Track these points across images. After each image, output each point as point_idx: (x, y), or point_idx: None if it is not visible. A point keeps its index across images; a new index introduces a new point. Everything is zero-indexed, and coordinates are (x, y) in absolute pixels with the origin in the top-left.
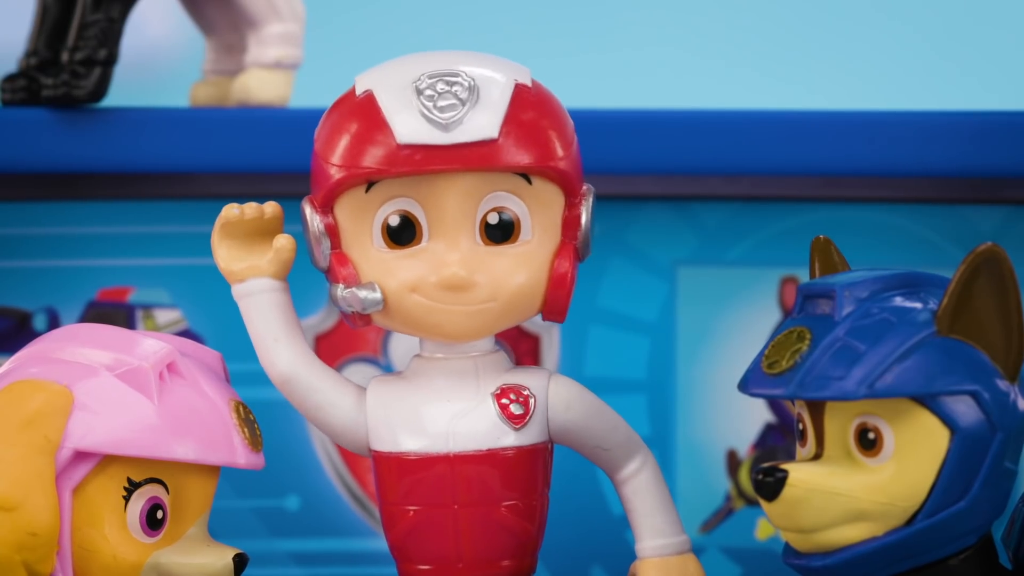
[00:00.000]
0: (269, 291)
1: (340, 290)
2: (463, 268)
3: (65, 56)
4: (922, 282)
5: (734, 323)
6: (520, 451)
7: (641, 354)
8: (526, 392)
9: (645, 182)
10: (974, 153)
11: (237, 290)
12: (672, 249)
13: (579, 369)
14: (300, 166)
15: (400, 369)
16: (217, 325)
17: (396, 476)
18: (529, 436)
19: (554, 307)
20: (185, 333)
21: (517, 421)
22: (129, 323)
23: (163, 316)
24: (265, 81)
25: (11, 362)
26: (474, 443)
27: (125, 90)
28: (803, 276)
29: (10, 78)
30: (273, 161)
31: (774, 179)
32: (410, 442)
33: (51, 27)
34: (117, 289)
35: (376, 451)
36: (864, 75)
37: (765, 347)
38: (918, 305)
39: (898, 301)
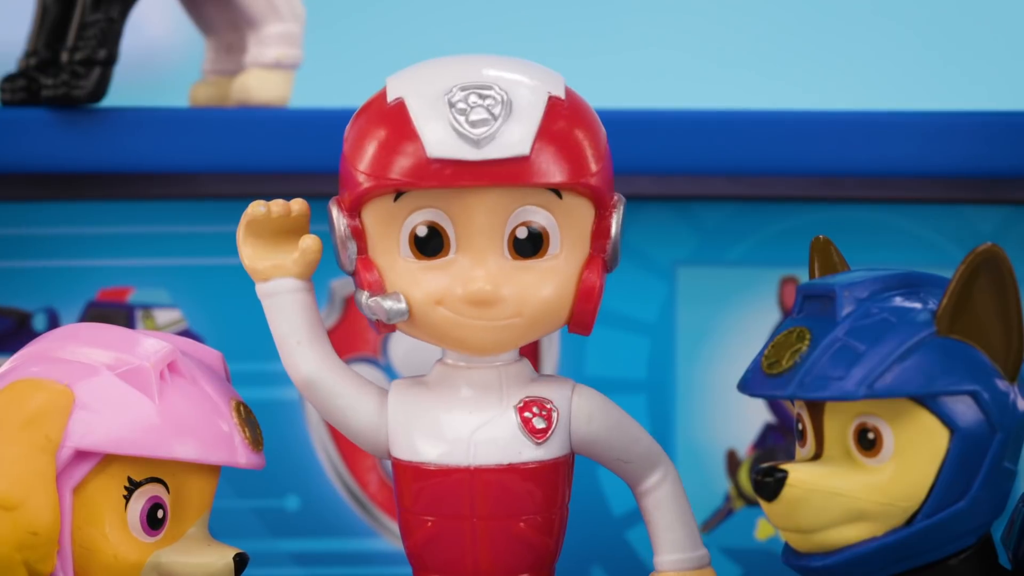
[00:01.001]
0: (293, 291)
1: (365, 298)
2: (489, 283)
3: (65, 56)
4: (922, 282)
5: (734, 323)
6: (541, 465)
7: (641, 354)
8: (549, 406)
9: (645, 182)
10: (974, 153)
11: (261, 289)
12: (672, 249)
13: (579, 369)
14: (300, 166)
15: (400, 369)
16: (217, 325)
17: (415, 485)
18: (551, 450)
19: (581, 320)
20: (185, 333)
21: (539, 435)
22: (129, 323)
23: (163, 316)
24: (265, 81)
25: (12, 361)
26: (495, 456)
27: (125, 90)
28: (803, 276)
29: (10, 78)
30: (273, 161)
31: (774, 179)
32: (430, 452)
33: (51, 27)
34: (117, 289)
35: (396, 458)
36: (864, 75)
37: (765, 347)
38: (918, 305)
39: (898, 301)
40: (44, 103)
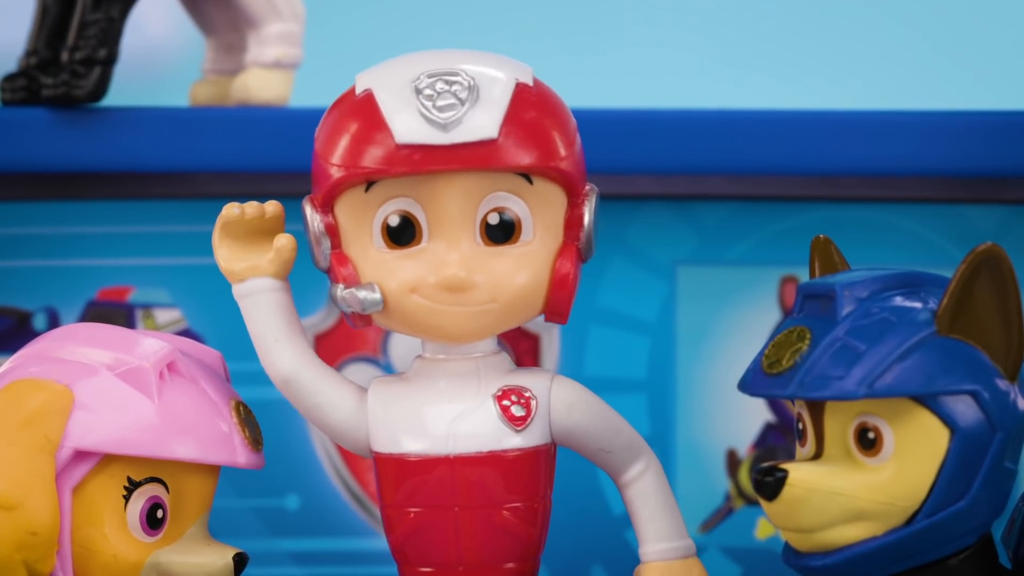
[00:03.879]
0: (270, 291)
1: (340, 290)
2: (463, 269)
3: (65, 56)
4: (922, 282)
5: (734, 323)
6: (522, 453)
7: (641, 354)
8: (527, 394)
9: (645, 182)
10: (974, 153)
11: (238, 290)
12: (672, 249)
13: (579, 369)
14: (300, 166)
15: (400, 369)
16: (217, 325)
17: (397, 478)
18: (531, 438)
19: (556, 308)
20: (185, 333)
21: (518, 423)
22: (129, 323)
23: (163, 316)
24: (265, 80)
25: (11, 361)
26: (475, 445)
27: (125, 90)
28: (803, 276)
29: (10, 78)
30: (273, 161)
31: (774, 179)
32: (411, 444)
33: (51, 26)
34: (117, 289)
35: (377, 452)
36: (864, 75)
37: (765, 347)
38: (918, 305)
39: (898, 301)
40: (44, 103)
